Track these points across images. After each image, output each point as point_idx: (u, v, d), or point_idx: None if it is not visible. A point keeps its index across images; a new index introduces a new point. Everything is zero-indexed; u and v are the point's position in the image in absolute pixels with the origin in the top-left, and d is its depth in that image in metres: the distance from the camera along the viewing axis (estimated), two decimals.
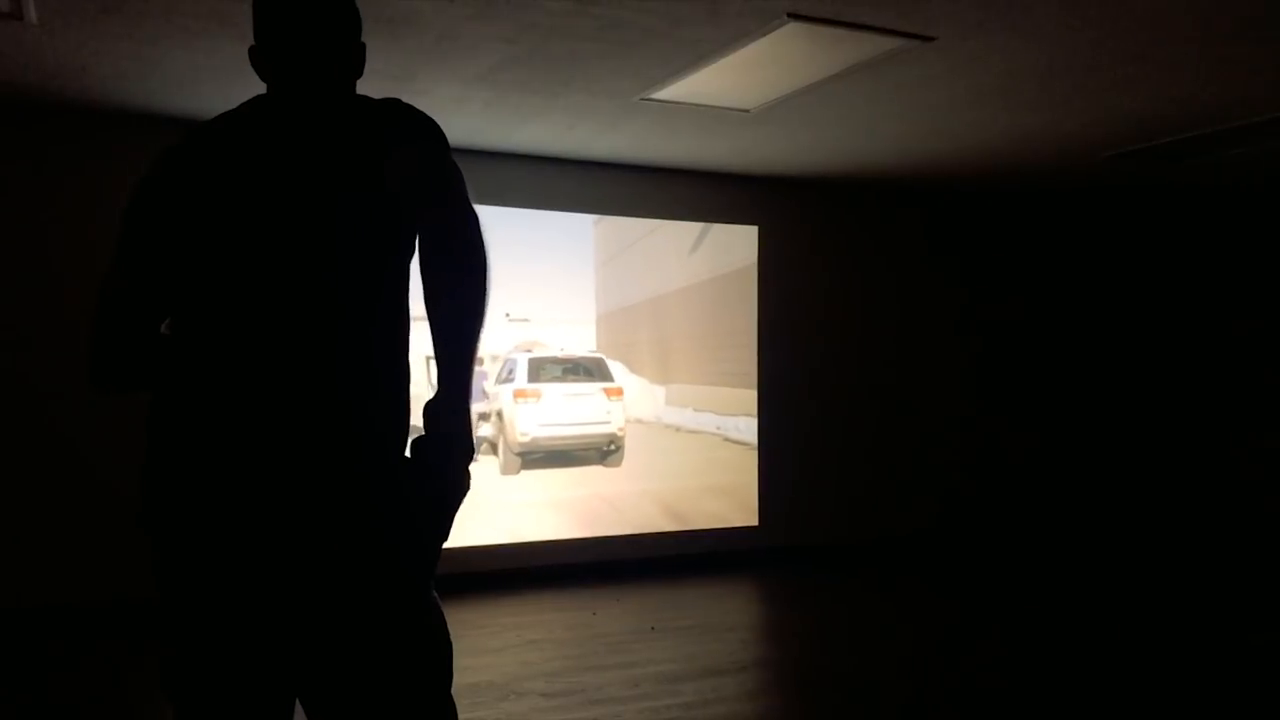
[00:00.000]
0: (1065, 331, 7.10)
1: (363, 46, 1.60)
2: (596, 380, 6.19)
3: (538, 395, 6.02)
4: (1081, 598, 5.26)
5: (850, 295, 6.44)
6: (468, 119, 4.69)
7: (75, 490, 4.59)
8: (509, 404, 5.98)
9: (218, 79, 4.07)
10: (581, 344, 6.14)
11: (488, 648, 4.24)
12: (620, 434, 6.22)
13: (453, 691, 1.58)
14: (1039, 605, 5.09)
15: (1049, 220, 7.03)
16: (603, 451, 6.24)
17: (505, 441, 5.95)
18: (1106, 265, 7.25)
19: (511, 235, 5.67)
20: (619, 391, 6.25)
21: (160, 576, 1.53)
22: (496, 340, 5.92)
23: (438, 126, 1.53)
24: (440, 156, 1.48)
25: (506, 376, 6.07)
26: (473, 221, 1.44)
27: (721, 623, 4.75)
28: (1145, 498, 7.15)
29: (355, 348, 1.50)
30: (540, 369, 6.09)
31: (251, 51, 1.57)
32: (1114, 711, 3.53)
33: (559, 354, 6.13)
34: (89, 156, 4.64)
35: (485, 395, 5.97)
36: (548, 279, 5.97)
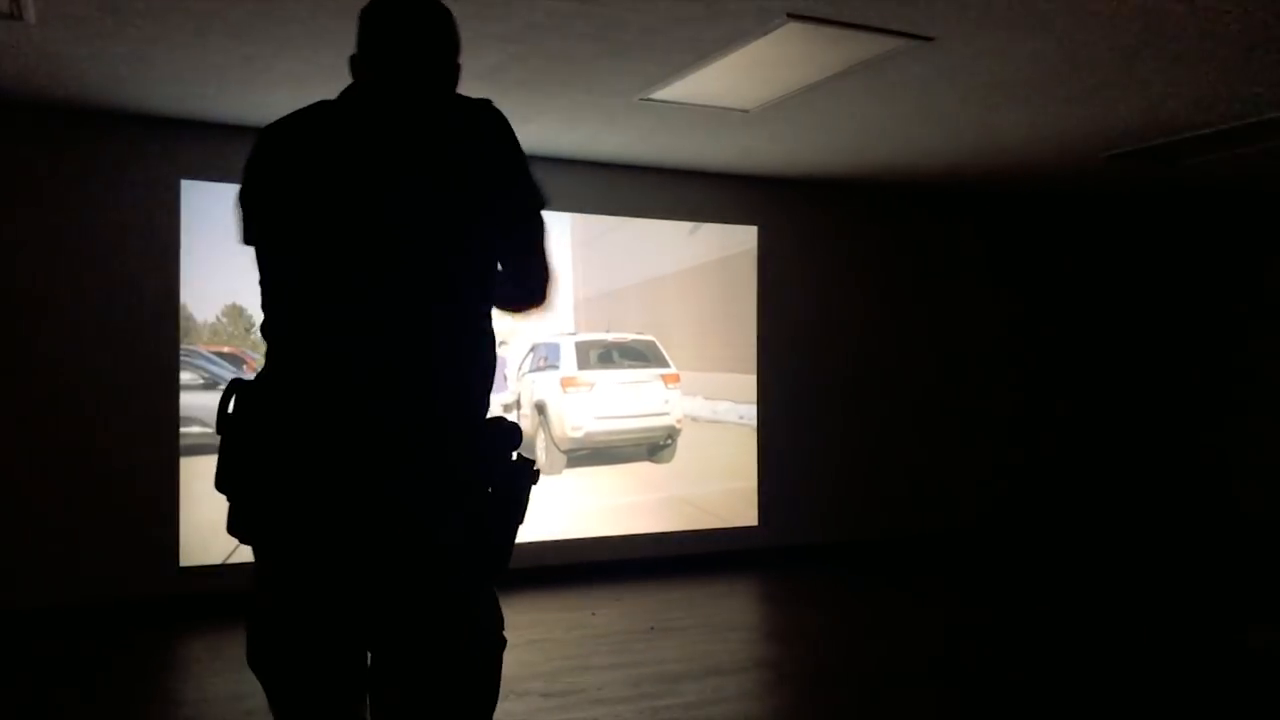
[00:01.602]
0: (1065, 331, 7.10)
1: (458, 66, 1.70)
2: (652, 365, 5.65)
3: (590, 384, 5.44)
4: (1083, 600, 5.26)
5: (850, 295, 6.43)
6: None
7: (78, 490, 4.60)
8: (554, 394, 5.38)
9: (218, 79, 4.07)
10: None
11: None
12: (678, 426, 5.65)
13: None
14: (1039, 605, 5.09)
15: (1049, 220, 7.03)
16: (655, 446, 5.69)
17: (550, 437, 5.39)
18: (1106, 265, 7.25)
19: None
20: (677, 378, 5.67)
21: (258, 553, 1.65)
22: None
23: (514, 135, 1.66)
24: (523, 170, 1.63)
25: (544, 363, 5.50)
26: (543, 273, 1.69)
27: (722, 623, 4.75)
28: (1144, 495, 7.15)
29: (450, 337, 1.58)
30: (589, 353, 5.49)
31: (353, 60, 1.68)
32: (1112, 711, 3.54)
33: (607, 336, 5.57)
34: (89, 156, 4.64)
35: (505, 383, 5.45)
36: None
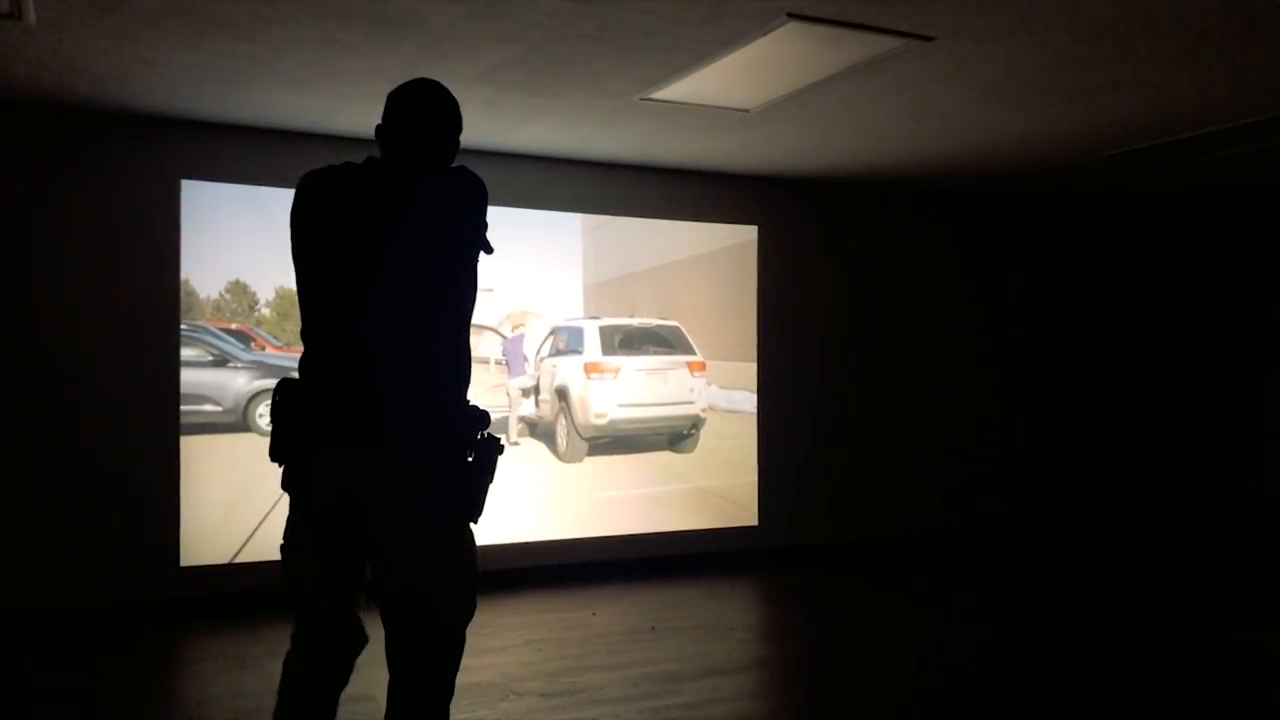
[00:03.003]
0: (1066, 331, 7.10)
1: (458, 143, 2.23)
2: (678, 352, 5.56)
3: (615, 370, 5.35)
4: (1082, 597, 5.26)
5: (850, 295, 6.44)
6: (468, 119, 4.61)
7: (78, 490, 4.60)
8: (578, 380, 5.29)
9: (218, 79, 4.07)
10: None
11: (488, 648, 4.23)
12: (704, 415, 5.57)
13: (456, 680, 2.22)
14: (1039, 605, 5.09)
15: (1049, 220, 7.04)
16: (678, 435, 5.59)
17: (573, 424, 5.29)
18: (1107, 265, 7.25)
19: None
20: (703, 366, 5.60)
21: (292, 494, 2.13)
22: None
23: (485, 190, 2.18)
24: (486, 224, 2.16)
25: (566, 347, 5.39)
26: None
27: (721, 623, 4.75)
28: (1145, 496, 7.15)
29: (440, 348, 2.09)
30: (613, 338, 5.38)
31: (379, 130, 2.17)
32: (1113, 710, 3.54)
33: (631, 321, 5.47)
34: (89, 156, 4.64)
35: (523, 367, 5.37)
36: (522, 246, 5.33)
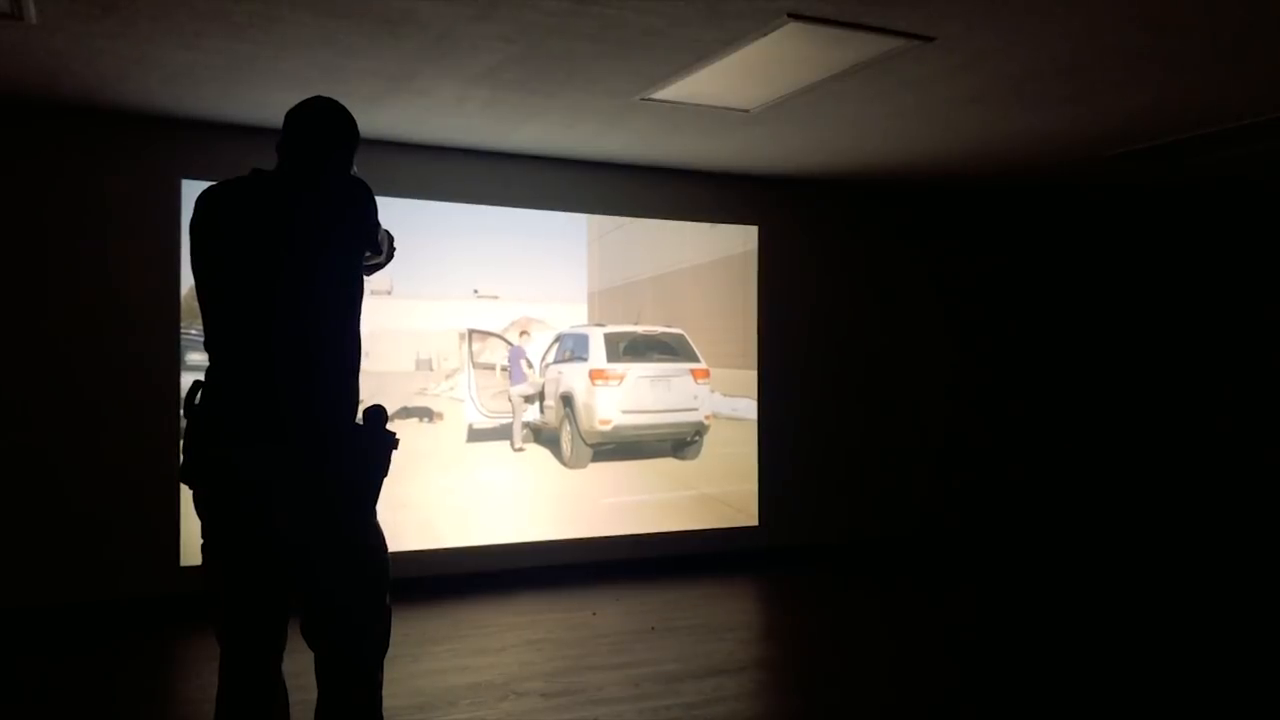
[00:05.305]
0: (1067, 332, 7.11)
1: (349, 156, 2.37)
2: (682, 360, 5.61)
3: (620, 377, 5.38)
4: (1082, 598, 5.26)
5: (850, 295, 6.44)
6: (468, 119, 4.69)
7: (78, 489, 4.60)
8: (583, 386, 5.34)
9: (218, 79, 4.07)
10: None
11: (488, 648, 4.24)
12: (708, 423, 5.63)
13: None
14: (1039, 604, 5.09)
15: (1050, 220, 7.04)
16: (682, 443, 5.64)
17: (578, 430, 5.33)
18: (1107, 265, 7.25)
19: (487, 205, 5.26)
20: (706, 373, 5.65)
21: (199, 510, 2.23)
22: (472, 320, 5.19)
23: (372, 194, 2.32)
24: (377, 224, 2.34)
25: (570, 354, 5.43)
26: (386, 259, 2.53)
27: (721, 623, 4.75)
28: (1150, 499, 7.15)
29: (330, 347, 2.20)
30: (618, 345, 5.43)
31: (279, 146, 2.32)
32: (1112, 712, 3.54)
33: (636, 329, 5.53)
34: (89, 156, 4.64)
35: (525, 375, 5.42)
36: (527, 253, 5.36)
